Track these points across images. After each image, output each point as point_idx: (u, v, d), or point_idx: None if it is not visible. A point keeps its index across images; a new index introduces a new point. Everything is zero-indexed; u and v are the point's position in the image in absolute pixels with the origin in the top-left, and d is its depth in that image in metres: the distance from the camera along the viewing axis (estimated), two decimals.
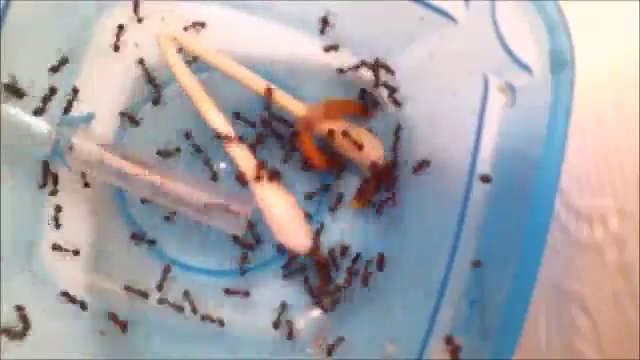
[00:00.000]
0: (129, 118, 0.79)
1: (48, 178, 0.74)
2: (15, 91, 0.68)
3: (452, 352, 0.61)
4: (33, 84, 0.69)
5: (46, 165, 0.73)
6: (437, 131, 0.74)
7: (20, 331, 0.66)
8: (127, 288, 0.76)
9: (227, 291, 0.78)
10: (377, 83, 0.79)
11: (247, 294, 0.79)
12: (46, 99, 0.71)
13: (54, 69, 0.72)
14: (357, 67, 0.79)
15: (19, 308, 0.67)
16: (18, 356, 0.65)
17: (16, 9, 0.62)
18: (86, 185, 0.76)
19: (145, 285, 0.77)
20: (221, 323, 0.77)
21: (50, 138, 0.70)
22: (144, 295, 0.76)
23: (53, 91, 0.72)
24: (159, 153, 0.78)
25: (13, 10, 0.62)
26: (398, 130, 0.78)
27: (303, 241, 0.75)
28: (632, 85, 0.68)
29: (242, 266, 0.79)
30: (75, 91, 0.75)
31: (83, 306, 0.73)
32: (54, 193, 0.75)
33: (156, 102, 0.80)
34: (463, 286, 0.64)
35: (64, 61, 0.73)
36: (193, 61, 0.77)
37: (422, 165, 0.74)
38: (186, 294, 0.78)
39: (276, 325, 0.78)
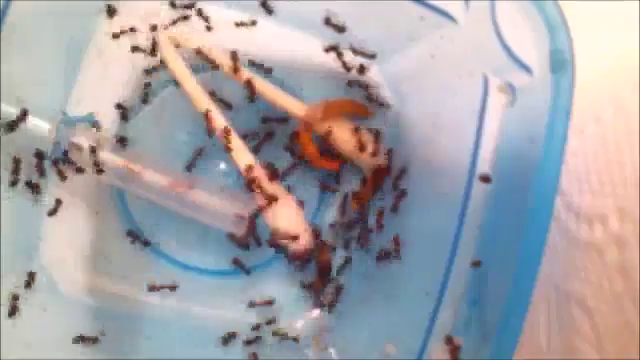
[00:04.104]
0: (122, 112, 0.78)
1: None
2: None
3: (452, 352, 0.61)
4: (33, 84, 0.69)
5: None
6: (437, 131, 0.74)
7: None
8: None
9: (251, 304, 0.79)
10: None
11: (270, 302, 0.79)
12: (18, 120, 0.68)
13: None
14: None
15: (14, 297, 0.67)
16: (18, 356, 0.65)
17: (16, 9, 0.62)
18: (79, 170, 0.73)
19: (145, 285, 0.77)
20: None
21: (50, 138, 0.70)
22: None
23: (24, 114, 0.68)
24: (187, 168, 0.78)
25: (13, 10, 0.62)
26: (402, 171, 0.78)
27: (303, 241, 0.75)
28: (632, 85, 0.68)
29: (242, 267, 0.79)
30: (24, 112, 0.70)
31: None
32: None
33: (145, 100, 0.79)
34: (463, 286, 0.64)
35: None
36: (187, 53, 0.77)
37: (402, 173, 0.76)
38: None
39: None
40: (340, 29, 0.76)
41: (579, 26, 0.59)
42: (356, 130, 0.77)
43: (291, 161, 0.81)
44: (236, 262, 0.79)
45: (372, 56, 0.79)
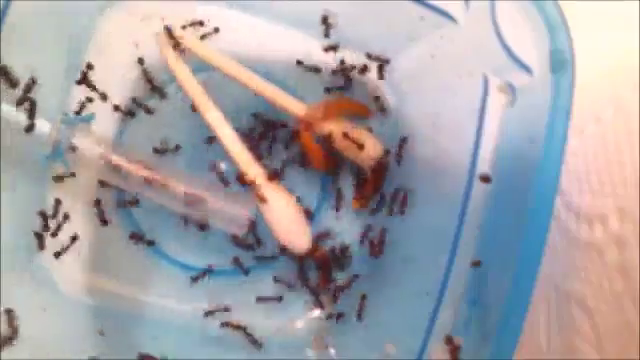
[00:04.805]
0: (128, 112, 0.79)
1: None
2: (8, 79, 0.66)
3: (452, 352, 0.61)
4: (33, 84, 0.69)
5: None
6: (437, 131, 0.74)
7: (7, 336, 0.65)
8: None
9: (259, 299, 0.79)
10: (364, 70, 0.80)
11: (280, 299, 0.79)
12: (28, 88, 0.68)
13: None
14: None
15: (8, 311, 0.65)
16: (18, 356, 0.65)
17: (16, 9, 0.62)
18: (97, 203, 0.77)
19: (145, 285, 0.77)
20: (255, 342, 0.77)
21: (50, 138, 0.70)
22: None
23: (34, 81, 0.68)
24: (156, 150, 0.78)
25: (13, 10, 0.62)
26: (403, 141, 0.78)
27: (303, 241, 0.75)
28: (632, 85, 0.68)
29: (241, 267, 0.79)
30: (89, 66, 0.76)
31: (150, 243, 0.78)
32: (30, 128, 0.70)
33: (162, 96, 0.80)
34: (463, 286, 0.64)
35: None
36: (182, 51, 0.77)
37: (397, 196, 0.76)
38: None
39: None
40: (329, 26, 0.77)
41: (579, 26, 0.59)
42: (345, 134, 0.76)
43: (287, 159, 0.81)
44: (236, 261, 0.79)
45: (386, 61, 0.79)
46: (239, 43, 0.80)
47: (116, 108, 0.78)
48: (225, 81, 0.76)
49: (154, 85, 0.79)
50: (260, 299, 0.78)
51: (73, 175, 0.74)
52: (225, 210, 0.75)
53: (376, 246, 0.77)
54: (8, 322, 0.65)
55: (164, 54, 0.76)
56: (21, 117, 0.68)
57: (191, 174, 0.78)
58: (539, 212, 0.56)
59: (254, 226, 0.77)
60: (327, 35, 0.77)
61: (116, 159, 0.72)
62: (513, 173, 0.62)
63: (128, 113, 0.79)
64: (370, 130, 0.80)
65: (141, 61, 0.79)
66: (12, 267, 0.69)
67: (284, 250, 0.77)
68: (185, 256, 0.80)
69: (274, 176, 0.75)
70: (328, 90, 0.81)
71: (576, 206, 0.71)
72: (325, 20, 0.76)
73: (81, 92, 0.76)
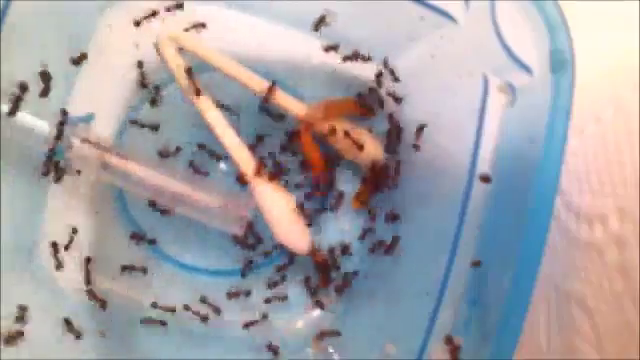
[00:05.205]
0: (151, 126, 0.79)
1: (51, 167, 0.71)
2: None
3: (452, 352, 0.61)
4: (33, 84, 0.69)
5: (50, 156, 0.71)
6: (437, 131, 0.74)
7: (15, 333, 0.65)
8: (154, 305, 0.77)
9: (229, 295, 0.78)
10: (380, 84, 0.79)
11: (248, 293, 0.79)
12: (17, 99, 0.67)
13: (76, 62, 0.72)
14: (356, 59, 0.79)
15: (22, 308, 0.67)
16: (18, 356, 0.65)
17: (16, 9, 0.62)
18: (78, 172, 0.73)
19: (146, 285, 0.77)
20: (204, 318, 0.77)
21: (50, 137, 0.70)
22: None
23: (24, 88, 0.67)
24: (159, 154, 0.78)
25: (13, 10, 0.62)
26: (394, 129, 0.78)
27: (303, 241, 0.75)
28: (632, 85, 0.68)
29: (245, 268, 0.79)
30: (23, 87, 0.69)
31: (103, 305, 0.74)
32: (59, 179, 0.72)
33: (154, 103, 0.80)
34: (463, 286, 0.64)
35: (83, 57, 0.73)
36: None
37: (420, 130, 0.75)
38: (203, 300, 0.78)
39: (247, 325, 0.78)
40: (320, 23, 0.76)
41: (579, 26, 0.59)
42: (346, 133, 0.77)
43: (287, 159, 0.81)
44: (249, 264, 0.79)
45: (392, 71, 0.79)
46: (239, 43, 0.80)
47: (133, 122, 0.79)
48: (225, 81, 0.76)
49: (150, 89, 0.79)
50: (230, 294, 0.78)
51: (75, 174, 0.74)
52: (225, 210, 0.75)
53: (388, 248, 0.77)
54: (22, 317, 0.66)
55: (163, 54, 0.76)
56: (22, 117, 0.68)
57: (191, 174, 0.78)
58: (539, 212, 0.56)
59: (252, 226, 0.77)
60: (316, 29, 0.77)
61: (116, 159, 0.73)
62: (513, 173, 0.62)
63: (152, 127, 0.79)
64: (370, 130, 0.80)
65: (140, 64, 0.78)
66: (12, 267, 0.69)
67: (282, 248, 0.77)
68: (185, 256, 0.80)
69: (274, 176, 0.75)
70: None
71: (576, 206, 0.71)
72: (322, 19, 0.76)
73: (81, 92, 0.76)
